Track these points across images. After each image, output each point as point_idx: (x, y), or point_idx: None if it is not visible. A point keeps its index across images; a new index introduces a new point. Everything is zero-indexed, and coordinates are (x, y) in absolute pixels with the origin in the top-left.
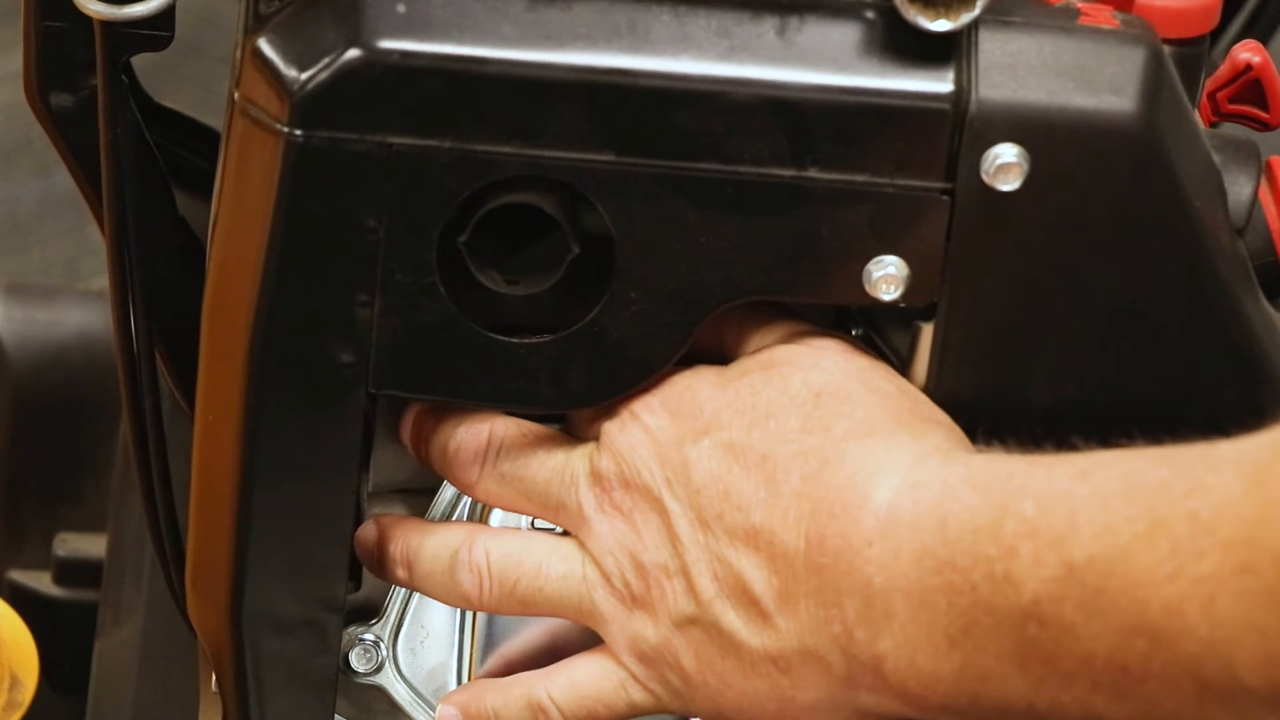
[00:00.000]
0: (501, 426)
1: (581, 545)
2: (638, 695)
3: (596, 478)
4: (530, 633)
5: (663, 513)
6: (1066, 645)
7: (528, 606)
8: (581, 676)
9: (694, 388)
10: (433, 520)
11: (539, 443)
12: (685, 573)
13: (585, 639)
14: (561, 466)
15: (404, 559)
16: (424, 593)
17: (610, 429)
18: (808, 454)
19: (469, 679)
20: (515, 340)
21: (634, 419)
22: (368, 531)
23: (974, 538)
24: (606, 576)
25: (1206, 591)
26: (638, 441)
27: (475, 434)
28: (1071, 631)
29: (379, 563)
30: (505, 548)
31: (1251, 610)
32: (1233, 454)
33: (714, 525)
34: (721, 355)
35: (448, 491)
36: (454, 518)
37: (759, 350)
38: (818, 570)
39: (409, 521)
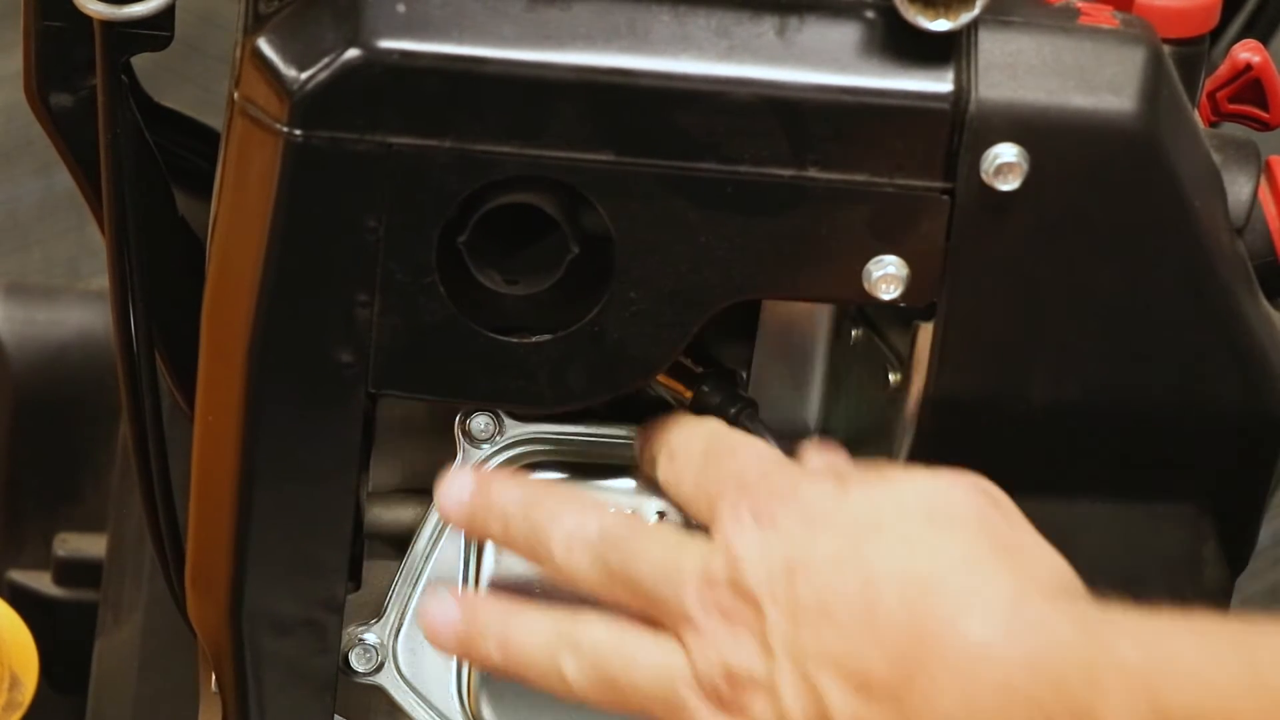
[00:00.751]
0: (611, 521)
1: (679, 640)
2: None
3: (708, 579)
4: None
5: (762, 621)
6: None
7: (622, 698)
8: None
9: (814, 493)
10: (519, 603)
11: (650, 538)
12: (773, 688)
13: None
14: (673, 564)
15: (499, 641)
16: (517, 676)
17: (728, 529)
18: (909, 577)
19: (469, 679)
20: (515, 340)
21: (754, 522)
22: (446, 611)
23: (1066, 676)
24: (698, 677)
25: None
26: (752, 545)
27: (583, 527)
28: None
29: (464, 642)
30: (605, 636)
31: None
32: None
33: (808, 641)
34: None
35: None
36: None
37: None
38: (902, 699)
39: (498, 603)
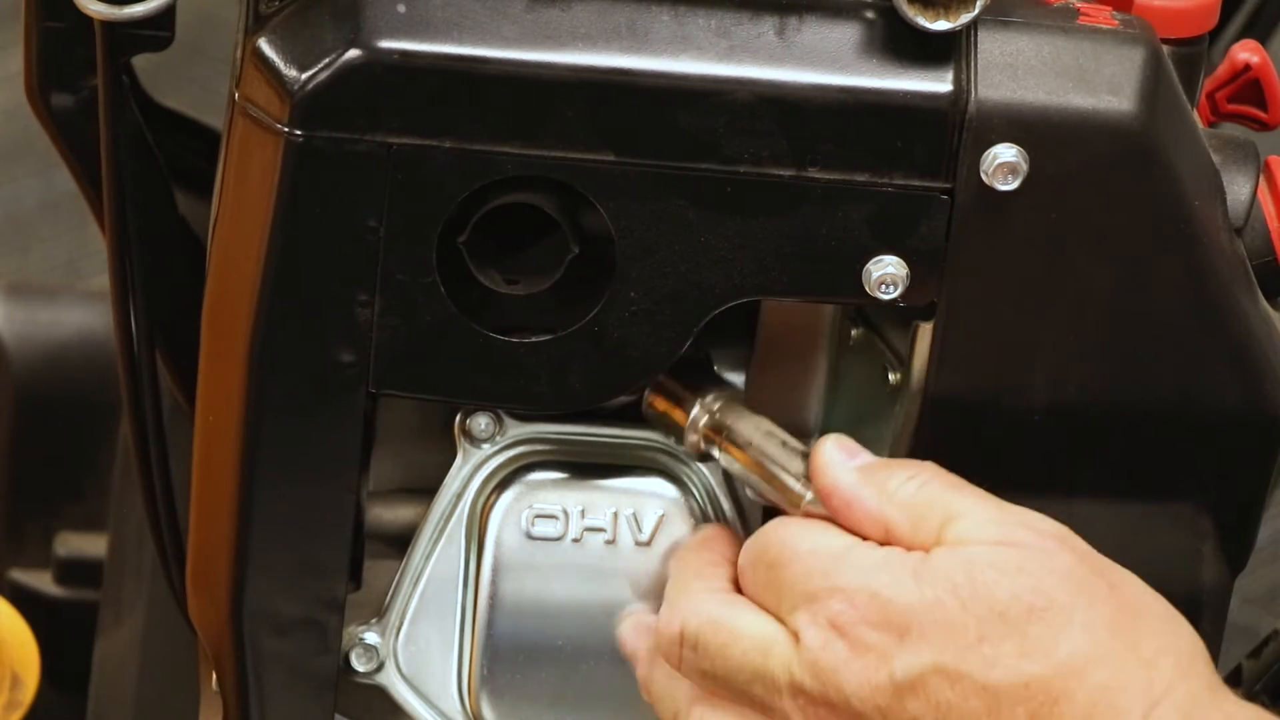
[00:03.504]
0: (693, 620)
1: None
2: None
3: (797, 691)
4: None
5: None
6: None
7: None
8: None
9: (893, 592)
10: None
11: (734, 640)
12: None
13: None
14: (761, 669)
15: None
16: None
17: (810, 639)
18: (1031, 686)
19: (469, 678)
20: (515, 340)
21: (836, 633)
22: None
23: None
24: None
25: None
26: (841, 661)
27: (668, 625)
28: None
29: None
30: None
31: None
32: None
33: None
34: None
35: (447, 492)
36: (454, 519)
37: (954, 542)
38: None
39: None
